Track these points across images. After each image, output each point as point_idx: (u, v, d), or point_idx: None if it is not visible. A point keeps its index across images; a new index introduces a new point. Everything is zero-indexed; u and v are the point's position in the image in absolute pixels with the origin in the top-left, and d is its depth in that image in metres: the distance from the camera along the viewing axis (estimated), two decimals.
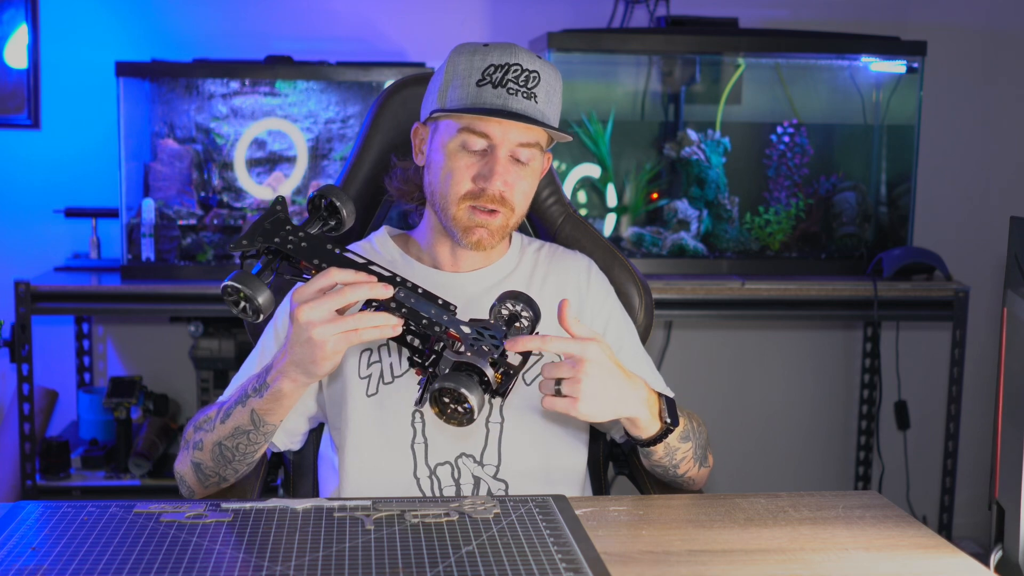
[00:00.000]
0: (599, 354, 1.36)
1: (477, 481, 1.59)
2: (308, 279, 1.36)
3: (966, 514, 3.53)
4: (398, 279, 1.35)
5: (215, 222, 3.12)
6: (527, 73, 1.53)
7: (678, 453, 1.53)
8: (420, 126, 1.64)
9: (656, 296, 1.96)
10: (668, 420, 1.47)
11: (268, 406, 1.44)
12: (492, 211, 1.55)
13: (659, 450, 1.51)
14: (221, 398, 1.61)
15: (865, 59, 3.33)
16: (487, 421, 1.60)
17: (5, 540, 1.28)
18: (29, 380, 2.92)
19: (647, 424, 1.46)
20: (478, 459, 1.59)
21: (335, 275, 1.32)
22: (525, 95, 1.53)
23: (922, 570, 1.26)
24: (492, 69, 1.53)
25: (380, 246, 1.70)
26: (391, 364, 1.61)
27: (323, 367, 1.36)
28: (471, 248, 1.58)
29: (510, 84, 1.52)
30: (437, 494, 1.58)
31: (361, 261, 1.36)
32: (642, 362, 1.70)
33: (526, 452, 1.60)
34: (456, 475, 1.59)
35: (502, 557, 1.24)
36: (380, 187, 1.81)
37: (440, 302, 1.36)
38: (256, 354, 1.64)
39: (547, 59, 3.05)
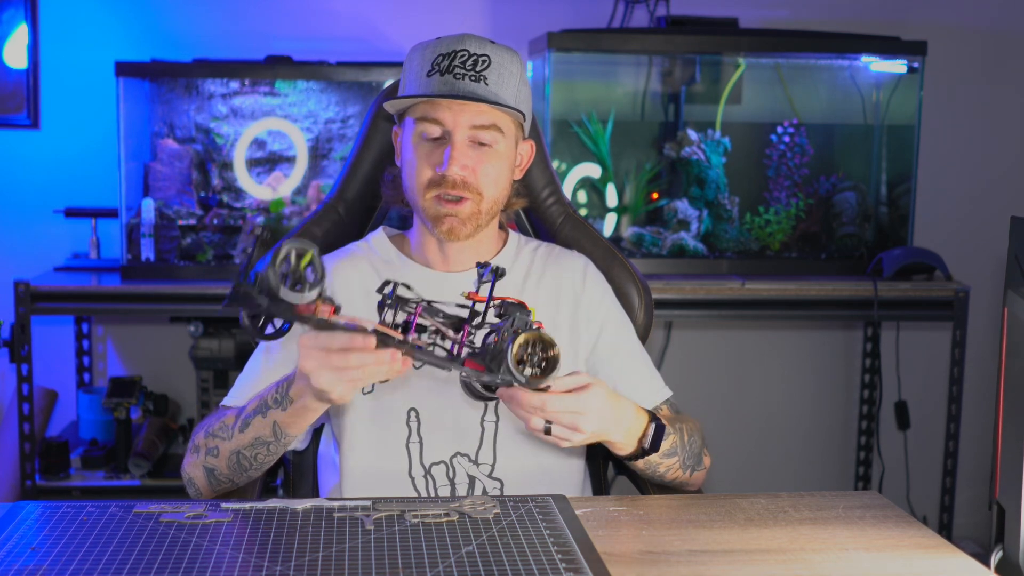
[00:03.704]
0: (597, 400, 1.40)
1: (472, 480, 1.59)
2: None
3: (966, 514, 3.53)
4: (401, 339, 1.31)
5: (215, 222, 3.12)
6: (475, 57, 1.55)
7: (660, 467, 1.55)
8: (397, 128, 1.66)
9: (656, 296, 1.96)
10: (647, 447, 1.49)
11: (291, 419, 1.44)
12: (459, 199, 1.56)
13: (639, 464, 1.54)
14: (227, 400, 1.61)
15: (865, 59, 3.33)
16: (482, 420, 1.61)
17: (5, 540, 1.28)
18: (29, 380, 2.92)
19: (623, 444, 1.49)
20: (473, 458, 1.60)
21: (339, 339, 1.29)
22: (473, 78, 1.54)
23: (922, 570, 1.26)
24: (440, 58, 1.55)
25: (377, 246, 1.71)
26: None
27: (338, 402, 1.36)
28: (445, 238, 1.59)
29: (456, 69, 1.54)
30: (432, 494, 1.59)
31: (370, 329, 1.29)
32: (640, 362, 1.70)
33: (521, 451, 1.61)
34: (451, 475, 1.59)
35: (502, 557, 1.24)
36: (379, 187, 1.82)
37: (447, 354, 1.33)
38: (260, 353, 1.64)
39: (546, 58, 3.07)
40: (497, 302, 1.36)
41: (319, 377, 1.31)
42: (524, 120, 1.61)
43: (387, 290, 1.33)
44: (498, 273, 1.35)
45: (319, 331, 1.28)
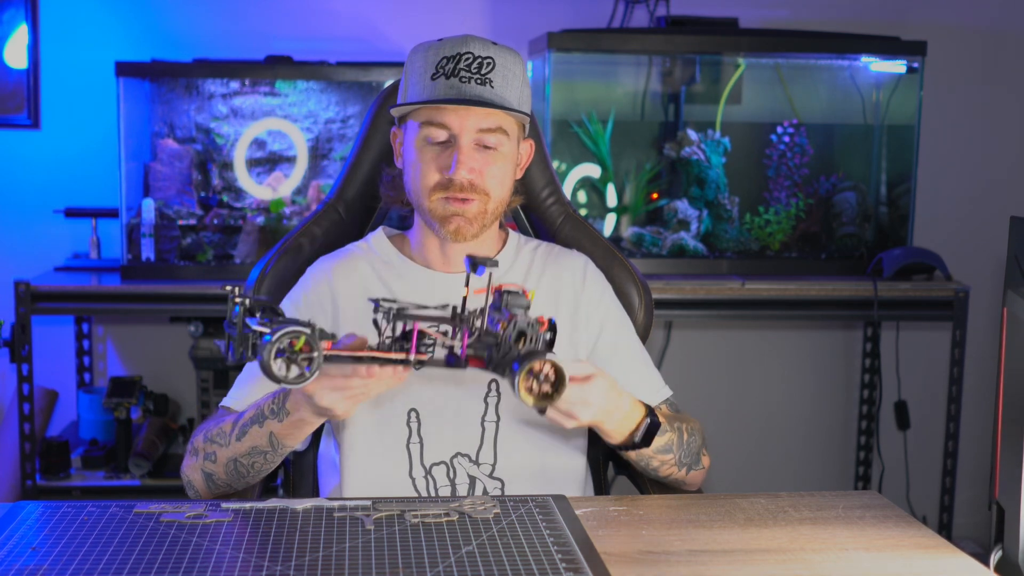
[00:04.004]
0: (599, 392, 1.41)
1: (473, 480, 1.59)
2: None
3: (966, 514, 3.53)
4: (402, 358, 1.30)
5: (215, 222, 3.12)
6: (479, 60, 1.55)
7: (653, 461, 1.55)
8: (396, 130, 1.65)
9: (656, 296, 1.96)
10: (637, 440, 1.49)
11: (288, 431, 1.44)
12: (465, 199, 1.56)
13: (631, 455, 1.54)
14: (227, 400, 1.61)
15: (865, 59, 3.33)
16: (482, 420, 1.61)
17: (5, 540, 1.28)
18: (29, 380, 2.92)
19: (613, 433, 1.49)
20: (473, 458, 1.60)
21: (341, 367, 1.30)
22: (479, 81, 1.54)
23: (922, 570, 1.26)
24: (444, 61, 1.55)
25: (376, 246, 1.71)
26: None
27: (341, 417, 1.37)
28: (451, 238, 1.58)
29: (462, 73, 1.54)
30: (433, 494, 1.59)
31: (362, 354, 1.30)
32: (639, 360, 1.70)
33: (521, 450, 1.61)
34: (452, 475, 1.59)
35: (502, 557, 1.24)
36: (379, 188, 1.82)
37: (450, 355, 1.32)
38: None
39: (546, 58, 3.07)
40: (496, 290, 1.35)
41: (322, 397, 1.32)
42: (528, 120, 1.62)
43: (382, 310, 1.30)
44: (489, 264, 1.32)
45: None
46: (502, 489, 1.60)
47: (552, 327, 1.34)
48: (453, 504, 1.41)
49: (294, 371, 1.21)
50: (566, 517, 1.37)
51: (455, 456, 1.60)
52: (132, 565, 1.20)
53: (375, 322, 1.30)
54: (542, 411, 1.38)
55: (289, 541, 1.28)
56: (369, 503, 1.41)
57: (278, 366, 1.19)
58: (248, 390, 1.59)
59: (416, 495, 1.58)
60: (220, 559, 1.23)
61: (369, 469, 1.60)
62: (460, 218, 1.57)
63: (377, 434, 1.59)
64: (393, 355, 1.28)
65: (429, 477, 1.59)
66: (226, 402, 1.61)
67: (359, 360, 1.27)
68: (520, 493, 1.56)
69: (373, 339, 1.30)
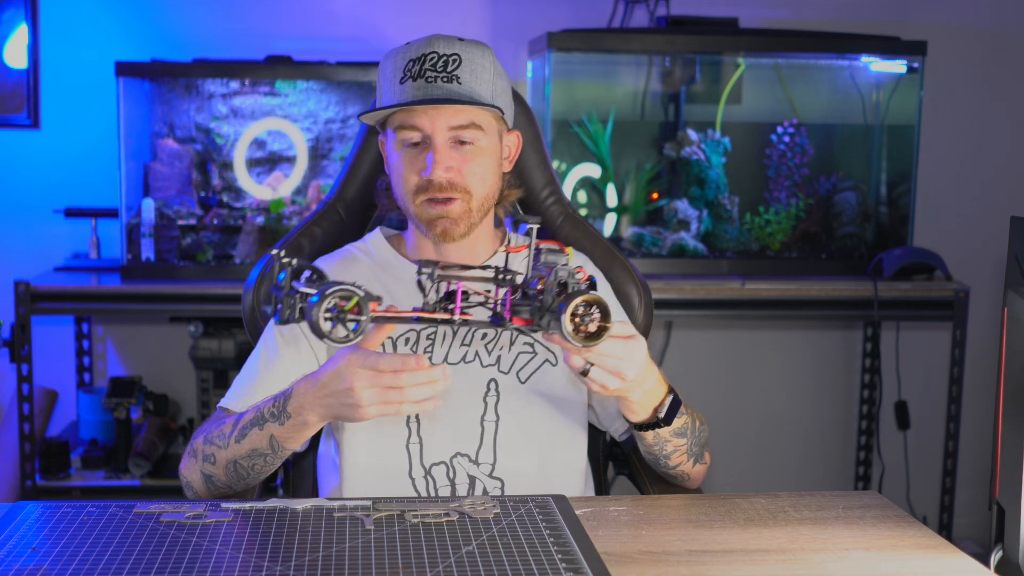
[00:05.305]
0: (641, 353, 1.39)
1: (472, 480, 1.59)
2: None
3: (966, 514, 3.53)
4: (447, 318, 1.31)
5: (215, 222, 3.12)
6: (444, 58, 1.55)
7: (668, 445, 1.54)
8: (382, 137, 1.66)
9: (656, 296, 1.96)
10: (661, 416, 1.48)
11: (289, 434, 1.43)
12: (448, 199, 1.56)
13: (648, 436, 1.52)
14: (225, 400, 1.60)
15: (865, 59, 3.33)
16: (482, 419, 1.61)
17: (5, 540, 1.28)
18: (29, 380, 2.92)
19: (639, 407, 1.47)
20: (473, 458, 1.60)
21: (391, 361, 1.31)
22: (445, 79, 1.54)
23: (922, 570, 1.26)
24: (411, 64, 1.55)
25: (374, 247, 1.71)
26: None
27: (357, 419, 1.36)
28: (440, 240, 1.59)
29: (428, 73, 1.54)
30: (433, 494, 1.59)
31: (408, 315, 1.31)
32: None
33: (521, 450, 1.61)
34: (451, 475, 1.59)
35: (502, 557, 1.24)
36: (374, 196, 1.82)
37: (494, 315, 1.33)
38: (259, 353, 1.64)
39: (546, 58, 3.07)
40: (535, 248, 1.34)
41: (363, 393, 1.31)
42: (503, 115, 1.61)
43: (425, 271, 1.31)
44: (531, 222, 1.32)
45: (369, 352, 1.31)
46: (502, 489, 1.60)
47: (591, 280, 1.33)
48: (453, 504, 1.41)
49: (340, 331, 1.23)
50: (566, 517, 1.37)
51: (455, 456, 1.60)
52: (132, 565, 1.20)
53: (419, 283, 1.31)
54: (584, 373, 1.36)
55: (289, 541, 1.28)
56: (369, 503, 1.41)
57: (327, 326, 1.21)
58: (246, 390, 1.59)
59: (416, 495, 1.58)
60: (220, 559, 1.23)
61: (369, 469, 1.60)
62: (445, 219, 1.57)
63: (377, 434, 1.59)
64: (438, 315, 1.29)
65: (429, 477, 1.59)
66: (224, 403, 1.61)
67: (404, 320, 1.28)
68: (520, 493, 1.56)
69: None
